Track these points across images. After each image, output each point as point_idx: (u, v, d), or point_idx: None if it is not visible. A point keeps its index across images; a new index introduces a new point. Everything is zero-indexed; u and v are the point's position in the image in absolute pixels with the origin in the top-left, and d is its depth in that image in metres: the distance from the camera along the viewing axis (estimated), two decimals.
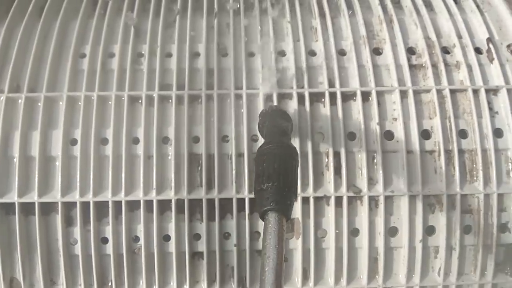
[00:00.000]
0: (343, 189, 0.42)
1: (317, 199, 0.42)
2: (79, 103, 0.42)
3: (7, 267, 0.41)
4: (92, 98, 0.42)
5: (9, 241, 0.41)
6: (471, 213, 0.43)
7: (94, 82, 0.43)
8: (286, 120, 0.39)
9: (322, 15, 0.48)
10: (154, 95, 0.42)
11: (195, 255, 0.42)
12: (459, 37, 0.47)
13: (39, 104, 0.42)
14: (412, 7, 0.49)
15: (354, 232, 0.42)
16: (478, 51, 0.47)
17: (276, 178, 0.31)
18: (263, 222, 0.30)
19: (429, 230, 0.43)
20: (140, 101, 0.43)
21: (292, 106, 0.43)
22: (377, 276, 0.43)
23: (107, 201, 0.40)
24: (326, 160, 0.42)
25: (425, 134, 0.44)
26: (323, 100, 0.44)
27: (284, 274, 0.42)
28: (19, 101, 0.42)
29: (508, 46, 0.48)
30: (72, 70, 0.44)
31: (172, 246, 0.41)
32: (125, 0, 0.49)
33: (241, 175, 0.41)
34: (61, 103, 0.42)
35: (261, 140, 0.42)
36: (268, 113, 0.40)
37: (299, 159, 0.34)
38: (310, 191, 0.41)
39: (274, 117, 0.39)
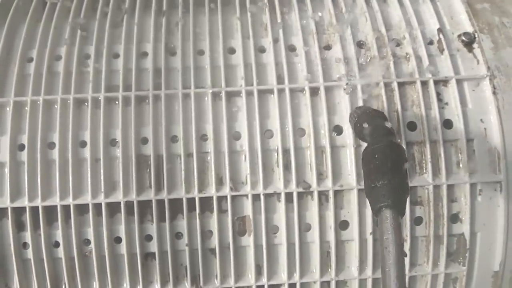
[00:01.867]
0: (293, 185, 0.42)
1: (268, 196, 0.42)
2: (26, 108, 0.42)
3: None
4: (38, 102, 0.42)
5: None
6: (422, 205, 0.44)
7: (40, 86, 0.43)
8: (387, 121, 0.41)
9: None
10: (100, 97, 0.43)
11: (148, 256, 0.43)
12: (410, 28, 0.47)
13: (8, 108, 0.42)
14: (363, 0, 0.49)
15: (305, 227, 0.43)
16: (428, 42, 0.47)
17: (391, 175, 0.34)
18: (378, 219, 0.33)
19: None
20: (86, 103, 0.43)
21: (241, 102, 0.43)
22: (329, 270, 0.44)
23: (56, 206, 0.41)
24: (276, 156, 0.43)
25: None
26: (272, 96, 0.44)
27: (239, 272, 0.43)
28: None
29: (459, 36, 0.48)
30: (19, 75, 0.44)
31: (123, 248, 0.42)
32: (74, 1, 0.48)
33: (191, 174, 0.42)
34: (8, 108, 0.42)
35: (211, 141, 0.42)
36: (367, 114, 0.41)
37: (405, 155, 0.36)
38: (260, 188, 0.42)
39: (376, 118, 0.40)
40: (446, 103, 0.45)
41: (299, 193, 0.42)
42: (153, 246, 0.42)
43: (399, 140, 0.43)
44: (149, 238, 0.42)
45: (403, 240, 0.32)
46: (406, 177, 0.35)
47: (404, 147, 0.41)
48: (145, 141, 0.42)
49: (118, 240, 0.42)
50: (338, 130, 0.44)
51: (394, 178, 0.34)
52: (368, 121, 0.40)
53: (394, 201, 0.33)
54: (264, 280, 0.43)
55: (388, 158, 0.35)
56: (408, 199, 0.40)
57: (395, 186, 0.33)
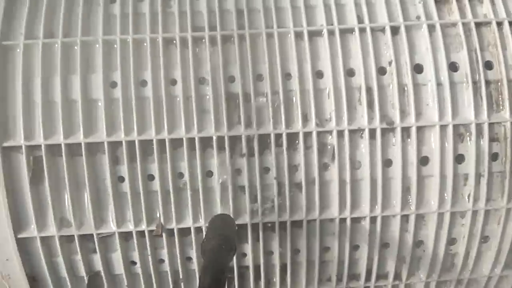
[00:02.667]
0: (377, 122, 0.44)
1: (351, 132, 0.44)
2: (115, 46, 0.44)
3: (57, 208, 0.44)
4: (128, 40, 0.43)
5: (57, 183, 0.43)
6: (498, 141, 0.45)
7: (128, 26, 0.44)
8: (225, 248, 0.38)
9: None
10: (188, 36, 0.44)
11: (238, 189, 0.44)
12: None
13: (76, 48, 0.43)
14: None
15: (387, 162, 0.45)
16: None
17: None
18: None
19: (459, 159, 0.45)
20: (174, 42, 0.44)
21: (323, 41, 0.44)
22: (410, 204, 0.45)
23: (152, 140, 0.42)
24: (359, 94, 0.44)
25: (452, 67, 0.45)
26: (353, 35, 0.45)
27: (323, 205, 0.45)
28: (56, 46, 0.43)
29: None
30: (105, 15, 0.45)
31: (215, 181, 0.44)
32: None
33: (278, 111, 0.43)
34: (97, 46, 0.44)
35: (295, 79, 0.44)
36: (206, 240, 0.38)
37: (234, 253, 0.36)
38: (344, 125, 0.43)
39: (208, 245, 0.38)
40: None
41: (382, 130, 0.44)
42: (243, 180, 0.44)
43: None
44: (239, 172, 0.44)
45: None
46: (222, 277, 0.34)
47: (482, 85, 0.43)
48: (232, 79, 0.44)
49: (210, 174, 0.44)
50: (418, 68, 0.45)
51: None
52: (210, 250, 0.37)
53: None
54: (347, 213, 0.45)
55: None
56: None
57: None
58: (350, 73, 0.45)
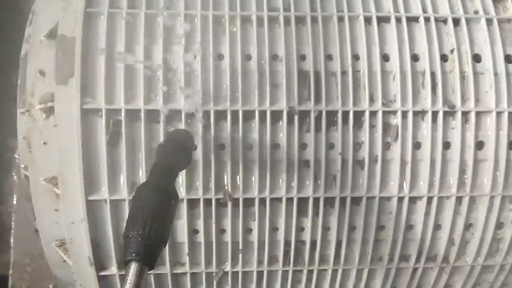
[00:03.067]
0: (439, 105, 0.46)
1: (415, 114, 0.46)
2: (196, 20, 0.46)
3: (130, 171, 0.45)
4: (208, 16, 0.46)
5: (132, 147, 0.45)
6: None
7: (208, 3, 0.46)
8: (184, 154, 0.38)
9: None
10: (264, 16, 0.46)
11: (302, 163, 0.46)
12: None
13: (159, 20, 0.45)
14: None
15: (446, 145, 0.47)
16: None
17: (143, 226, 0.31)
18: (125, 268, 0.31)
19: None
20: (252, 19, 0.46)
21: (390, 27, 0.47)
22: (465, 186, 0.47)
23: (226, 110, 0.45)
24: (422, 78, 0.47)
25: (508, 59, 0.48)
26: (419, 21, 0.48)
27: (383, 183, 0.47)
28: (140, 15, 0.45)
29: None
30: None
31: (283, 153, 0.45)
32: None
33: (346, 90, 0.46)
34: (179, 18, 0.46)
35: (364, 61, 0.46)
36: (163, 143, 0.39)
37: (177, 203, 0.34)
38: (409, 106, 0.46)
39: (166, 150, 0.38)
40: None
41: (444, 112, 0.46)
42: (309, 154, 0.46)
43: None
44: (304, 146, 0.46)
45: None
46: (166, 230, 0.32)
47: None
48: (303, 58, 0.46)
49: (277, 146, 0.46)
50: (477, 58, 0.48)
51: (147, 230, 0.31)
52: (159, 153, 0.37)
53: (143, 256, 0.30)
54: (406, 192, 0.47)
55: (147, 205, 0.32)
56: None
57: (147, 239, 0.31)
58: (414, 58, 0.47)
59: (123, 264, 0.31)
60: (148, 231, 0.31)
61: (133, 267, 0.30)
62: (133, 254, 0.30)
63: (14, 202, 0.80)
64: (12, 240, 0.80)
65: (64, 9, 0.46)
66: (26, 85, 0.48)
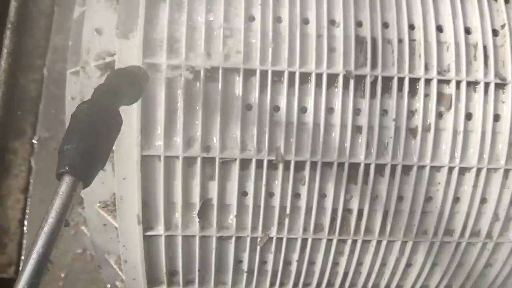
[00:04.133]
0: (491, 76, 0.47)
1: (468, 84, 0.47)
2: None
3: (187, 129, 0.46)
4: None
5: (190, 105, 0.45)
6: None
7: None
8: (129, 80, 0.38)
9: None
10: None
11: (356, 129, 0.47)
12: None
13: None
14: None
15: (496, 117, 0.48)
16: None
17: (78, 140, 0.31)
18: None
19: None
20: None
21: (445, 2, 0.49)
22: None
23: (283, 71, 0.45)
24: (474, 51, 0.48)
25: None
26: None
27: (435, 153, 0.47)
28: None
29: None
30: None
31: (337, 118, 0.46)
32: None
33: (403, 56, 0.47)
34: None
35: (420, 30, 0.47)
36: (115, 71, 0.39)
37: (119, 126, 0.34)
38: (463, 75, 0.47)
39: (115, 74, 0.38)
40: None
41: (495, 84, 0.47)
42: (362, 120, 0.47)
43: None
44: (358, 112, 0.47)
45: (66, 214, 0.29)
46: (105, 148, 0.32)
47: None
48: (360, 24, 0.47)
49: (331, 111, 0.47)
50: None
51: (83, 144, 0.30)
52: (109, 77, 0.37)
53: (77, 169, 0.30)
54: (457, 162, 0.48)
55: (84, 121, 0.32)
56: None
57: (83, 153, 0.30)
58: (467, 31, 0.48)
59: (56, 178, 0.30)
60: (84, 145, 0.31)
61: (67, 179, 0.29)
62: (67, 168, 0.30)
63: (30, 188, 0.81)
64: (26, 225, 0.80)
65: None
66: (82, 43, 0.49)
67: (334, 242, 0.51)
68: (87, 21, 0.49)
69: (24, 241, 0.80)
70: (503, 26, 0.49)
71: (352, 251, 0.52)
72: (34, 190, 0.80)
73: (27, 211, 0.80)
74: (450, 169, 0.48)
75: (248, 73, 0.46)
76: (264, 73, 0.46)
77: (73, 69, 0.53)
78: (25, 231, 0.80)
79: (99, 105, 0.33)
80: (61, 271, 0.79)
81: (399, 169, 0.48)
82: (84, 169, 0.30)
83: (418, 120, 0.47)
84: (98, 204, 0.52)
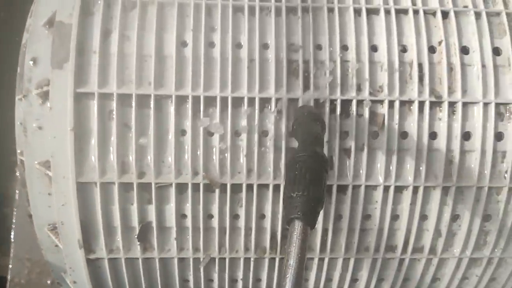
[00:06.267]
0: (426, 95, 0.48)
1: (401, 103, 0.48)
2: (189, 8, 0.48)
3: (120, 154, 0.47)
4: (201, 4, 0.48)
5: (123, 130, 0.47)
6: None
7: None
8: (320, 124, 0.43)
9: None
10: (255, 5, 0.49)
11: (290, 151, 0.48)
12: None
13: (152, 7, 0.48)
14: None
15: (432, 135, 0.49)
16: None
17: (306, 188, 0.36)
18: (289, 229, 0.36)
19: (499, 136, 0.49)
20: (243, 9, 0.49)
21: (379, 19, 0.50)
22: (451, 176, 0.49)
23: (215, 96, 0.47)
24: (410, 69, 0.49)
25: (496, 51, 0.50)
26: (407, 14, 0.50)
27: (369, 173, 0.49)
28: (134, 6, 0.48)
29: None
30: None
31: (271, 142, 0.48)
32: None
33: (335, 78, 0.48)
34: (173, 7, 0.48)
35: (352, 51, 0.48)
36: (302, 115, 0.44)
37: (328, 168, 0.39)
38: (396, 95, 0.48)
39: (308, 121, 0.43)
40: None
41: (430, 102, 0.48)
42: (296, 142, 0.48)
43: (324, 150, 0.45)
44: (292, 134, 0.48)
45: (305, 256, 0.34)
46: (323, 192, 0.37)
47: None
48: (292, 47, 0.49)
49: (266, 133, 0.48)
50: (465, 50, 0.50)
51: (310, 192, 0.36)
52: (302, 125, 0.42)
53: (306, 215, 0.35)
54: (392, 181, 0.49)
55: (308, 170, 0.37)
56: None
57: (310, 200, 0.36)
58: (403, 49, 0.50)
59: (286, 223, 0.36)
60: (308, 192, 0.36)
61: (297, 225, 0.35)
62: (299, 213, 0.35)
63: (16, 198, 0.83)
64: (12, 235, 0.83)
65: None
66: (24, 71, 0.51)
67: (277, 260, 0.53)
68: (29, 50, 0.51)
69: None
70: (440, 43, 0.50)
71: None
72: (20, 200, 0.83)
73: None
74: (386, 188, 0.50)
75: (180, 100, 0.47)
76: (196, 99, 0.47)
77: (19, 96, 0.55)
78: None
79: (314, 153, 0.38)
80: (47, 278, 0.83)
81: (334, 189, 0.49)
82: (312, 215, 0.36)
83: (351, 141, 0.48)
84: (48, 227, 0.54)
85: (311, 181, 0.36)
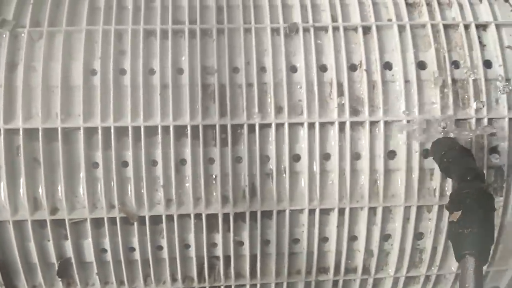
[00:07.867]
0: (346, 115, 0.48)
1: (322, 125, 0.48)
2: (97, 36, 0.47)
3: (31, 191, 0.46)
4: (110, 30, 0.47)
5: (32, 165, 0.46)
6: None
7: (111, 18, 0.48)
8: (473, 159, 0.44)
9: None
10: (168, 29, 0.48)
11: (210, 178, 0.48)
12: None
13: (60, 37, 0.47)
14: None
15: (356, 156, 0.48)
16: None
17: (479, 225, 0.37)
18: (460, 264, 0.37)
19: (425, 154, 0.49)
20: (155, 35, 0.48)
21: (299, 38, 0.49)
22: (377, 196, 0.49)
23: (127, 126, 0.46)
24: (330, 89, 0.48)
25: (421, 65, 0.50)
26: (327, 31, 0.49)
27: (293, 196, 0.48)
28: (41, 36, 0.47)
29: None
30: (90, 7, 0.48)
31: (188, 169, 0.47)
32: None
33: (252, 102, 0.47)
34: (80, 35, 0.47)
35: (270, 73, 0.48)
36: (454, 150, 0.44)
37: (494, 204, 0.40)
38: (316, 117, 0.47)
39: (463, 157, 0.43)
40: (485, 45, 0.51)
41: (351, 123, 0.48)
42: (216, 169, 0.47)
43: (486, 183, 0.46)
44: (212, 161, 0.47)
45: None
46: (493, 226, 0.39)
47: (449, 83, 0.48)
48: (207, 70, 0.48)
49: (184, 162, 0.47)
50: (388, 66, 0.49)
51: (482, 228, 0.37)
52: (456, 160, 0.43)
53: (480, 250, 0.36)
54: (316, 204, 0.49)
55: (480, 207, 0.38)
56: None
57: (483, 235, 0.37)
58: (322, 68, 0.49)
59: (457, 258, 0.37)
60: (480, 229, 0.37)
61: (471, 261, 0.36)
62: (470, 250, 0.36)
63: None
64: None
65: None
66: None
67: None
68: None
69: None
70: (360, 61, 0.49)
71: None
72: None
73: None
74: (311, 211, 0.49)
75: (90, 131, 0.46)
76: (107, 130, 0.46)
77: None
78: None
79: (481, 189, 0.39)
80: None
81: (259, 215, 0.49)
82: (486, 252, 0.37)
83: (272, 165, 0.48)
84: None
85: (483, 219, 0.38)
